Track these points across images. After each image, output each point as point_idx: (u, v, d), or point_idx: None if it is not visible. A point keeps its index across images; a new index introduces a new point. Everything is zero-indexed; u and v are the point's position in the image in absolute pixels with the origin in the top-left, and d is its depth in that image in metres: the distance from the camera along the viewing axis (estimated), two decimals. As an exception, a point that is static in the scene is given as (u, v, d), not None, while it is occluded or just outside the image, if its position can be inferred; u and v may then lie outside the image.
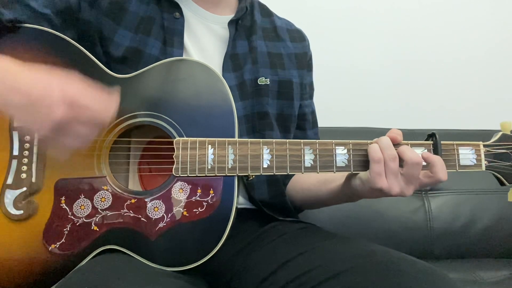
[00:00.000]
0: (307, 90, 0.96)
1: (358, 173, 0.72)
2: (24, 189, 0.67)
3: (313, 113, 0.98)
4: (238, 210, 0.71)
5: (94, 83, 0.62)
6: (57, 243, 0.67)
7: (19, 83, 0.59)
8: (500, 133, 0.75)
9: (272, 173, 0.70)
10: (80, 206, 0.68)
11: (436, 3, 1.52)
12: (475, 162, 0.73)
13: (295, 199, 0.90)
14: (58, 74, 0.61)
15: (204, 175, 0.69)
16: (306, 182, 0.88)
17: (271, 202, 0.85)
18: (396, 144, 0.70)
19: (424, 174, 0.69)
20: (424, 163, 0.68)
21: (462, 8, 1.52)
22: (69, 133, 0.59)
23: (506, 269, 1.17)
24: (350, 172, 0.73)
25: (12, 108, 0.60)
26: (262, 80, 0.85)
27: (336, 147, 0.71)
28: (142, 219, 0.67)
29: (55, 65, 0.71)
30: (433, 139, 0.72)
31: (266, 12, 0.95)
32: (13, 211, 0.67)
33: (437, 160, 0.68)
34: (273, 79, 0.87)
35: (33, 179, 0.68)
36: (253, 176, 0.72)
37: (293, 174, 0.92)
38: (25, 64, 0.62)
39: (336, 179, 0.79)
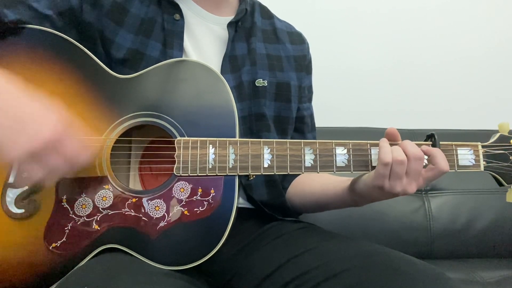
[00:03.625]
0: (306, 93, 0.96)
1: (362, 176, 0.73)
2: (26, 188, 0.68)
3: (311, 116, 0.98)
4: (238, 210, 0.71)
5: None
6: (58, 242, 0.67)
7: (11, 105, 0.58)
8: (498, 134, 0.76)
9: (273, 173, 0.71)
10: (81, 205, 0.68)
11: (436, 4, 1.52)
12: (474, 162, 0.73)
13: (296, 203, 0.89)
14: (52, 104, 0.61)
15: (205, 174, 0.69)
16: (310, 186, 0.88)
17: (270, 203, 0.85)
18: (395, 142, 0.70)
19: (426, 168, 0.69)
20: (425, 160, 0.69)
21: (461, 9, 1.53)
22: (42, 161, 0.59)
23: (506, 269, 1.18)
24: (356, 177, 0.74)
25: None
26: (260, 82, 0.85)
27: (336, 147, 0.71)
28: (143, 218, 0.68)
29: (57, 66, 0.71)
30: (432, 140, 0.72)
31: (267, 14, 0.95)
32: (15, 209, 0.67)
33: (437, 151, 0.69)
34: (271, 81, 0.87)
35: (35, 178, 0.68)
36: (254, 176, 0.72)
37: (293, 178, 0.91)
38: (20, 85, 0.61)
39: (341, 182, 0.80)
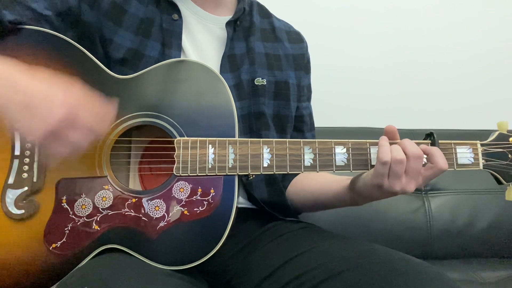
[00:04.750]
0: (305, 92, 0.96)
1: (362, 174, 0.73)
2: (26, 188, 0.68)
3: (310, 115, 0.99)
4: (238, 210, 0.71)
5: (94, 92, 0.63)
6: (58, 242, 0.67)
7: (22, 85, 0.60)
8: (497, 133, 0.76)
9: (272, 172, 0.71)
10: (81, 206, 0.68)
11: (435, 4, 1.52)
12: (473, 161, 0.73)
13: (296, 202, 0.89)
14: (61, 79, 0.61)
15: (204, 174, 0.69)
16: (309, 185, 0.88)
17: (271, 202, 0.85)
18: (394, 141, 0.70)
19: (425, 167, 0.69)
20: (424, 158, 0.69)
21: (461, 9, 1.53)
22: (63, 138, 0.60)
23: (506, 269, 1.17)
24: (356, 176, 0.74)
25: (13, 108, 0.60)
26: (259, 81, 0.86)
27: (336, 146, 0.72)
28: (143, 218, 0.68)
29: (57, 66, 0.71)
30: (431, 138, 0.73)
31: (265, 13, 0.96)
32: (14, 210, 0.67)
33: (435, 150, 0.70)
34: (269, 79, 0.87)
35: (35, 179, 0.68)
36: (253, 176, 0.72)
37: (293, 177, 0.92)
38: (29, 67, 0.62)
39: (341, 181, 0.80)
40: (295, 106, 0.92)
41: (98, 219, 0.68)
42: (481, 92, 1.53)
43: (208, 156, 0.69)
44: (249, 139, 0.71)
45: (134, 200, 0.68)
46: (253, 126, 0.84)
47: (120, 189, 0.69)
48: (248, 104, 0.85)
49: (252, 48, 0.87)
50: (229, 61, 0.85)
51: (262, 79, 0.86)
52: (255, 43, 0.88)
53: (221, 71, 0.83)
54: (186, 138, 0.70)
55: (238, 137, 0.71)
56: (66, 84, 0.61)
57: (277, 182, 0.86)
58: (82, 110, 0.60)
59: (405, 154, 0.67)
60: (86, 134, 0.61)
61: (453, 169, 0.72)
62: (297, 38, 0.97)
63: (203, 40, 0.86)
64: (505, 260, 1.24)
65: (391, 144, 0.70)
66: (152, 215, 0.68)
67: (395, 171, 0.67)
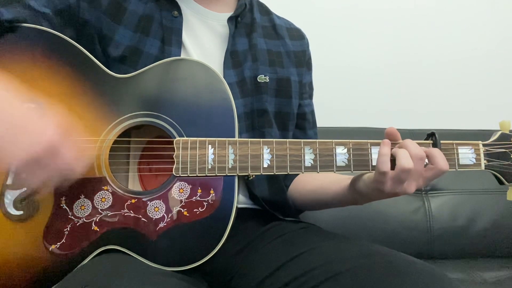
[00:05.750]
0: (307, 89, 0.97)
1: (363, 176, 0.73)
2: (24, 189, 0.67)
3: (312, 112, 0.99)
4: (239, 210, 0.71)
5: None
6: (57, 243, 0.67)
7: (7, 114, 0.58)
8: (499, 132, 0.75)
9: (273, 173, 0.70)
10: (81, 206, 0.68)
11: (435, 3, 1.52)
12: (475, 161, 0.73)
13: (297, 201, 0.90)
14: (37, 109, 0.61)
15: (204, 175, 0.69)
16: (311, 184, 0.88)
17: (272, 200, 0.85)
18: (396, 142, 0.70)
19: (426, 168, 0.69)
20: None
21: (461, 9, 1.53)
22: (42, 170, 0.59)
23: (506, 269, 1.18)
24: (356, 175, 0.73)
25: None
26: (262, 78, 0.86)
27: (336, 146, 0.71)
28: (142, 219, 0.67)
29: (55, 65, 0.71)
30: (433, 139, 0.72)
31: (265, 11, 0.96)
32: (13, 211, 0.67)
33: (436, 151, 0.69)
34: (272, 77, 0.87)
35: (33, 179, 0.68)
36: (253, 176, 0.72)
37: (294, 176, 0.92)
38: (19, 94, 0.61)
39: (341, 180, 0.80)
40: (296, 104, 0.92)
41: (97, 220, 0.67)
42: (483, 92, 1.53)
43: (208, 157, 0.69)
44: (249, 139, 0.71)
45: (133, 200, 0.68)
46: (255, 123, 0.84)
47: (119, 190, 0.69)
48: (251, 102, 0.85)
49: (255, 45, 0.87)
50: (232, 58, 0.85)
51: (264, 76, 0.86)
52: (257, 39, 0.88)
53: (224, 68, 0.83)
54: (185, 138, 0.70)
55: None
56: (53, 114, 0.60)
57: (279, 181, 0.86)
58: (66, 143, 0.60)
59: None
60: (65, 167, 0.61)
61: (454, 169, 0.72)
62: (298, 35, 0.97)
63: (204, 37, 0.86)
64: (505, 260, 1.24)
65: (392, 145, 0.69)
66: (151, 216, 0.68)
67: (401, 179, 0.66)
